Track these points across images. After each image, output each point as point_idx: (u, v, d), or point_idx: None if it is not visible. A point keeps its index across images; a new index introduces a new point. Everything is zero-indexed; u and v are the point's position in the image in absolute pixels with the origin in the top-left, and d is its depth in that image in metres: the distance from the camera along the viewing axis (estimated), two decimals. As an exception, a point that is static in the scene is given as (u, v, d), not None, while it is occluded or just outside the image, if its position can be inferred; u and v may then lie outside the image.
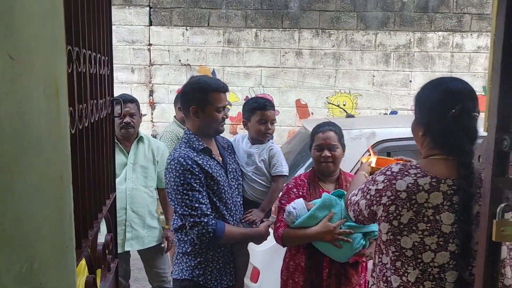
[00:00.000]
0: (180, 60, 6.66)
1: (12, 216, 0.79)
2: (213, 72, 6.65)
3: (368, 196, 1.61)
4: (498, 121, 1.01)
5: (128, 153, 3.29)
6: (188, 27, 6.61)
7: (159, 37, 6.63)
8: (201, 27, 6.62)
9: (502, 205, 1.01)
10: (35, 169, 0.87)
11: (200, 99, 2.24)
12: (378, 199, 1.55)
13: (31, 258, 0.85)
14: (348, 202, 1.76)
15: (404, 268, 1.50)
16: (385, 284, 1.58)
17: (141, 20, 6.59)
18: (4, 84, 0.76)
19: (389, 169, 1.58)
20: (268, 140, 2.57)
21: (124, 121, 3.23)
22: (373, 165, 1.94)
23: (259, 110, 2.49)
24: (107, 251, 1.90)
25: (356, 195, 1.71)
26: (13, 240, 0.80)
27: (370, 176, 1.68)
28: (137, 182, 3.22)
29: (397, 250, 1.51)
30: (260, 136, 2.51)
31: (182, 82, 6.67)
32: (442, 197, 1.46)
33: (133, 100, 3.36)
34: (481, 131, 1.55)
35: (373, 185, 1.60)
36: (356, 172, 1.99)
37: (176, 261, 2.36)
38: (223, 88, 2.28)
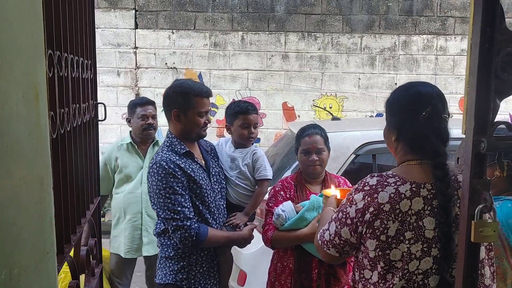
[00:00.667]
0: (166, 63, 6.64)
1: (-10, 222, 0.78)
2: (200, 75, 6.64)
3: (348, 221, 1.53)
4: (475, 124, 1.03)
5: (145, 157, 3.29)
6: (174, 30, 6.60)
7: (145, 40, 6.60)
8: (187, 30, 6.61)
9: (480, 206, 1.02)
10: (14, 174, 0.86)
11: (182, 102, 2.23)
12: (361, 218, 1.49)
13: (10, 264, 0.84)
14: (321, 242, 1.65)
15: (393, 280, 1.46)
16: None
17: (126, 23, 6.56)
18: (-18, 89, 0.75)
19: (366, 184, 1.52)
20: (252, 144, 2.57)
21: (147, 122, 3.27)
22: (339, 197, 1.90)
23: (241, 114, 2.48)
24: (91, 256, 1.88)
25: (328, 229, 1.62)
26: (-9, 246, 0.79)
27: (344, 200, 1.60)
28: None
29: (386, 264, 1.47)
30: (243, 140, 2.51)
31: (168, 85, 6.65)
32: (423, 202, 1.45)
33: (153, 102, 3.41)
34: (454, 132, 1.59)
35: (351, 207, 1.52)
36: (322, 211, 1.93)
37: (159, 265, 2.35)
38: (206, 93, 2.27)
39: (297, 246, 2.35)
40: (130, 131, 3.39)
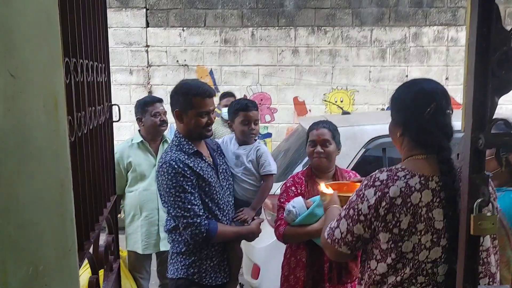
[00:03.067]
0: (177, 61, 6.70)
1: (16, 223, 0.85)
2: (211, 72, 6.70)
3: (362, 218, 1.56)
4: (473, 121, 1.07)
5: (156, 154, 3.39)
6: (184, 28, 6.66)
7: (156, 38, 6.67)
8: (197, 28, 6.66)
9: (479, 200, 1.06)
10: (37, 178, 0.93)
11: (183, 103, 2.27)
12: (374, 214, 1.52)
13: (35, 261, 0.91)
14: (330, 240, 1.66)
15: (404, 269, 1.52)
16: (376, 287, 1.59)
17: (138, 22, 6.63)
18: (7, 101, 0.82)
19: (376, 179, 1.55)
20: (255, 140, 2.62)
21: (161, 119, 3.38)
22: (331, 191, 1.94)
23: (241, 111, 2.54)
24: (109, 252, 1.96)
25: (338, 227, 1.64)
26: (18, 245, 0.86)
27: (353, 196, 1.62)
28: None
29: (398, 256, 1.51)
30: (245, 137, 2.57)
31: (180, 82, 6.72)
32: (432, 194, 1.49)
33: (162, 100, 3.53)
34: (458, 125, 1.66)
35: (362, 203, 1.55)
36: (325, 211, 1.95)
37: (171, 261, 2.42)
38: (207, 93, 2.28)
39: (308, 240, 2.39)
40: (139, 130, 3.47)
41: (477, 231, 1.06)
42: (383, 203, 1.49)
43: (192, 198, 2.22)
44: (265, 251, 3.38)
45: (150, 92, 6.65)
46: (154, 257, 3.56)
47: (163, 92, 6.56)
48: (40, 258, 0.93)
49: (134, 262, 3.42)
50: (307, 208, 2.34)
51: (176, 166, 2.20)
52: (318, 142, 2.46)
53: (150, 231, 3.31)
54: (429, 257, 1.49)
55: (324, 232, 1.72)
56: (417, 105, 1.57)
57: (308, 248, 2.41)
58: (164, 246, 3.33)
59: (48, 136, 0.97)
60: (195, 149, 2.31)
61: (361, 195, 1.56)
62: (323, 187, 2.10)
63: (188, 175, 2.21)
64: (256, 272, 3.45)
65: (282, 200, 2.50)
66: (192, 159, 2.28)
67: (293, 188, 2.51)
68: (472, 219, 1.06)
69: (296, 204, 2.36)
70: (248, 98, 6.33)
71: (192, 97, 2.25)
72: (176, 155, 2.25)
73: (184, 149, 2.29)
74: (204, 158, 2.35)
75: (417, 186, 1.49)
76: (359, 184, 2.22)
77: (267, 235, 3.10)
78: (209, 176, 2.31)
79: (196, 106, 2.25)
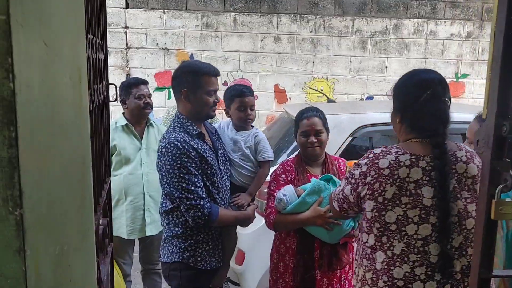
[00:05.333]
0: (157, 44, 6.58)
1: (47, 200, 0.81)
2: (191, 56, 6.60)
3: (352, 181, 1.73)
4: (498, 108, 1.08)
5: (141, 138, 3.32)
6: (165, 10, 6.52)
7: (136, 20, 6.52)
8: (179, 10, 6.53)
9: (501, 186, 1.08)
10: (64, 154, 0.89)
11: (191, 82, 2.25)
12: (363, 180, 1.67)
13: (62, 240, 0.88)
14: (333, 194, 1.92)
15: (389, 243, 1.61)
16: (369, 262, 1.69)
17: (117, 2, 6.45)
18: (41, 70, 0.77)
19: (371, 151, 1.71)
20: (252, 127, 2.61)
21: (145, 101, 3.30)
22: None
23: (237, 97, 2.52)
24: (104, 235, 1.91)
25: (340, 186, 1.86)
26: (48, 223, 0.82)
27: (353, 163, 1.80)
28: (151, 167, 3.22)
29: (382, 226, 1.63)
30: (242, 122, 2.55)
31: (159, 66, 6.60)
32: (422, 173, 1.60)
33: (147, 82, 3.44)
34: (454, 116, 1.74)
35: (357, 170, 1.72)
36: None
37: (164, 244, 2.38)
38: (214, 72, 2.30)
39: (299, 228, 2.39)
40: (123, 113, 3.38)
41: (498, 216, 1.08)
42: (372, 172, 1.64)
43: (196, 180, 2.19)
44: (250, 237, 3.37)
45: (128, 75, 6.51)
46: (136, 242, 3.51)
47: (142, 75, 6.43)
48: (65, 237, 0.89)
49: (117, 247, 3.35)
50: (298, 196, 2.34)
51: (181, 147, 2.16)
52: (311, 132, 2.45)
53: (135, 216, 3.25)
54: (419, 233, 1.58)
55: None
56: (414, 92, 1.68)
57: (298, 235, 2.40)
58: (150, 231, 3.28)
59: (73, 110, 0.93)
60: (199, 131, 2.29)
61: (358, 163, 1.74)
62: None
63: (193, 157, 2.19)
64: (240, 258, 3.45)
65: (272, 188, 2.49)
66: (196, 141, 2.25)
67: (283, 175, 2.50)
68: (493, 205, 1.08)
69: (287, 192, 2.35)
70: (228, 84, 6.30)
71: (201, 76, 2.25)
72: (181, 135, 2.21)
73: (188, 130, 2.26)
74: (205, 141, 2.33)
75: (407, 162, 1.61)
76: None
77: (254, 221, 3.10)
78: (211, 159, 2.29)
79: (205, 85, 2.26)
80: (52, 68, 0.81)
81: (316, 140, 2.44)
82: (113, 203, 3.28)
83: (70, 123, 0.91)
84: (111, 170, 3.25)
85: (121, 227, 3.25)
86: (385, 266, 1.63)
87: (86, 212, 1.02)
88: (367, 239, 1.70)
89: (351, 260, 2.46)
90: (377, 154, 1.68)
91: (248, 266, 3.40)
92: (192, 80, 2.25)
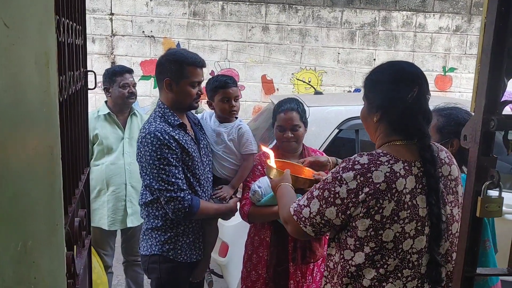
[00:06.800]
0: (143, 32, 6.46)
1: (9, 194, 0.76)
2: (178, 45, 6.51)
3: (338, 201, 1.45)
4: (486, 102, 1.05)
5: (124, 127, 3.24)
6: (152, -3, 6.41)
7: (121, 6, 6.39)
8: (165, -2, 6.43)
9: (487, 182, 1.05)
10: (29, 144, 0.83)
11: (175, 71, 2.19)
12: (353, 199, 1.42)
13: (25, 236, 0.82)
14: (296, 218, 1.55)
15: (383, 260, 1.44)
16: (352, 279, 1.49)
17: (102, -13, 6.33)
18: (1, 54, 0.71)
19: (356, 162, 1.45)
20: (236, 118, 2.55)
21: (129, 91, 3.22)
22: (288, 172, 1.90)
23: (221, 89, 2.44)
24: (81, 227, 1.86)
25: (308, 206, 1.52)
26: (10, 218, 0.77)
27: (328, 177, 1.50)
28: (134, 157, 3.16)
29: (377, 245, 1.43)
30: (226, 114, 2.49)
31: (145, 54, 6.50)
32: (415, 181, 1.43)
33: (132, 70, 3.36)
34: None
35: (340, 186, 1.44)
36: (276, 188, 1.86)
37: (144, 237, 2.34)
38: (200, 63, 2.23)
39: (273, 220, 2.36)
40: (106, 101, 3.31)
41: (483, 213, 1.05)
42: (366, 189, 1.40)
43: (176, 171, 2.14)
44: (234, 230, 3.33)
45: (113, 63, 6.39)
46: (118, 233, 3.45)
47: (127, 63, 6.32)
48: (30, 232, 0.84)
49: (98, 239, 3.30)
50: None
51: (161, 138, 2.11)
52: (287, 127, 2.39)
53: (117, 207, 3.19)
54: (414, 246, 1.43)
55: (289, 206, 1.61)
56: (399, 89, 1.49)
57: (273, 227, 2.38)
58: (131, 222, 3.23)
59: (39, 98, 0.87)
60: (180, 121, 2.23)
61: (339, 178, 1.45)
62: (272, 162, 2.04)
63: (174, 147, 2.13)
64: (224, 250, 3.42)
65: (247, 179, 2.46)
66: (177, 131, 2.19)
67: (259, 167, 2.46)
68: (479, 202, 1.05)
69: (262, 184, 2.31)
70: (216, 74, 6.22)
71: (186, 66, 2.18)
72: (161, 126, 2.15)
73: (169, 121, 2.20)
74: (187, 131, 2.27)
75: (402, 172, 1.42)
76: (309, 169, 2.21)
77: (238, 213, 3.06)
78: (192, 150, 2.23)
79: (189, 76, 2.19)
80: (14, 52, 0.75)
81: (292, 135, 2.39)
82: (94, 193, 3.22)
83: (36, 111, 0.85)
84: (93, 160, 3.20)
85: (102, 218, 3.20)
86: (376, 283, 1.46)
87: (55, 205, 0.96)
88: (351, 257, 1.47)
89: (324, 253, 2.45)
90: (366, 166, 1.42)
91: (232, 258, 3.37)
92: (176, 69, 2.18)
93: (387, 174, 1.41)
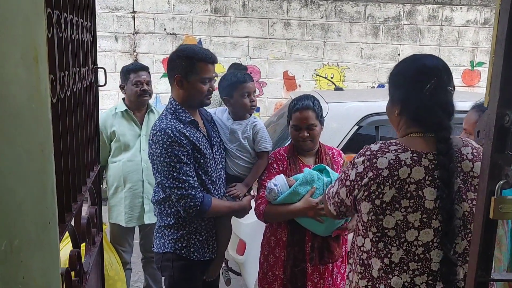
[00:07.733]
0: (165, 29, 6.49)
1: (-9, 192, 0.74)
2: (200, 42, 6.50)
3: (347, 183, 1.55)
4: (500, 96, 0.98)
5: (141, 124, 3.26)
6: (173, -6, 6.42)
7: (143, 4, 6.42)
8: (187, -5, 6.43)
9: (501, 182, 0.98)
10: (15, 141, 0.81)
11: (185, 67, 2.16)
12: (359, 182, 1.50)
13: (11, 235, 0.80)
14: (327, 196, 1.72)
15: (387, 249, 1.46)
16: (363, 268, 1.55)
17: (125, -14, 6.37)
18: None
19: (368, 148, 1.53)
20: (250, 115, 2.51)
21: (142, 88, 3.22)
22: None
23: (240, 84, 2.40)
24: (91, 224, 1.85)
25: (334, 186, 1.67)
26: (-8, 217, 0.75)
27: (347, 162, 1.65)
28: None
29: (379, 231, 1.47)
30: (247, 109, 2.45)
31: (167, 51, 6.52)
32: (424, 172, 1.44)
33: (147, 68, 3.37)
34: (458, 105, 1.58)
35: (352, 170, 1.54)
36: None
37: (157, 234, 2.33)
38: (211, 59, 2.19)
39: (290, 219, 2.31)
40: (123, 98, 3.33)
41: (497, 215, 0.98)
42: (370, 173, 1.47)
43: (188, 169, 2.11)
44: (252, 227, 3.30)
45: (135, 60, 6.44)
46: (137, 229, 3.47)
47: (150, 61, 6.37)
48: (16, 231, 0.82)
49: (116, 235, 3.32)
50: (289, 187, 2.26)
51: (172, 135, 2.08)
52: (303, 126, 2.33)
53: (134, 203, 3.20)
54: (420, 238, 1.43)
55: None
56: (417, 81, 1.50)
57: (289, 227, 2.33)
58: (148, 219, 3.23)
59: (27, 94, 0.85)
60: (192, 118, 2.20)
61: (353, 162, 1.55)
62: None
63: (185, 145, 2.10)
64: (242, 248, 3.39)
65: (263, 177, 2.42)
66: (188, 128, 2.17)
67: (274, 165, 2.42)
68: (493, 202, 0.98)
69: (278, 182, 2.27)
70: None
71: (196, 62, 2.15)
72: (172, 123, 2.13)
73: (180, 117, 2.18)
74: (199, 128, 2.25)
75: (408, 161, 1.45)
76: None
77: (251, 212, 3.03)
78: (204, 147, 2.20)
79: (200, 72, 2.16)
80: (-6, 46, 0.73)
81: (308, 135, 2.33)
82: (111, 190, 3.24)
83: (23, 107, 0.83)
84: (110, 156, 3.22)
85: (120, 215, 3.21)
86: (383, 274, 1.48)
87: (46, 203, 0.94)
88: (363, 243, 1.54)
89: (343, 253, 2.38)
90: (374, 152, 1.49)
91: (249, 256, 3.34)
92: (186, 65, 2.15)
93: (391, 161, 1.46)
